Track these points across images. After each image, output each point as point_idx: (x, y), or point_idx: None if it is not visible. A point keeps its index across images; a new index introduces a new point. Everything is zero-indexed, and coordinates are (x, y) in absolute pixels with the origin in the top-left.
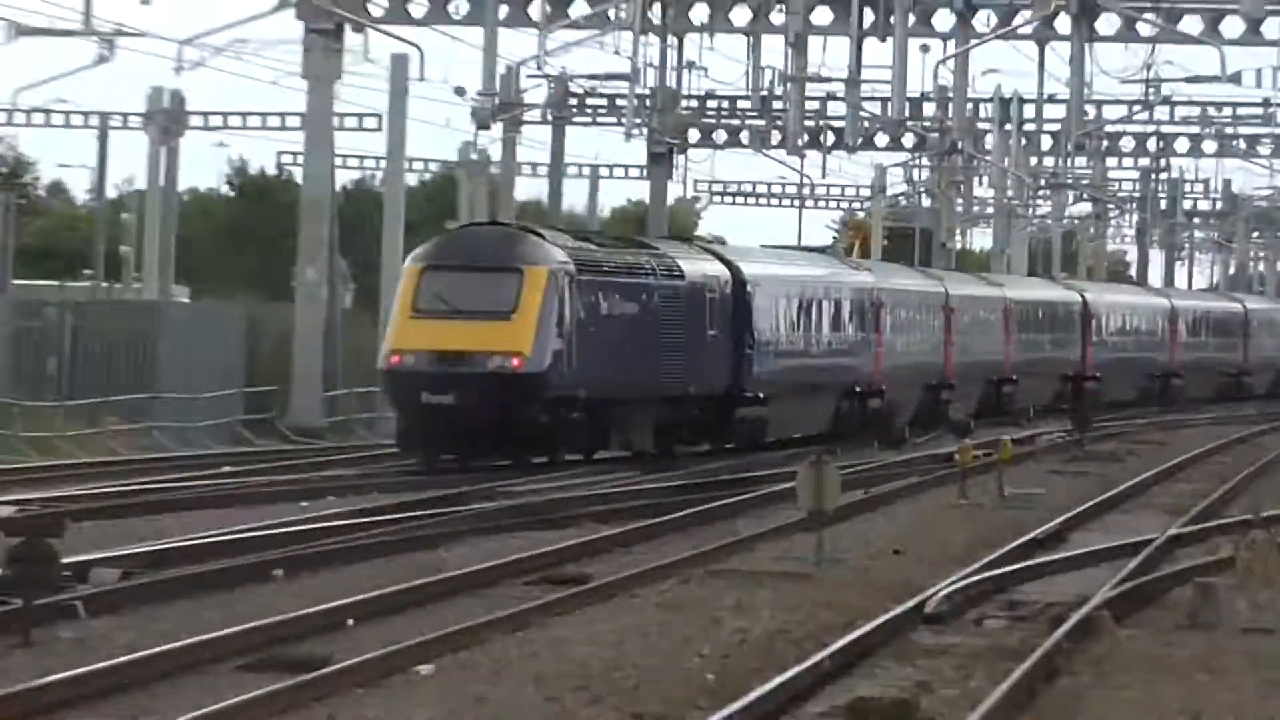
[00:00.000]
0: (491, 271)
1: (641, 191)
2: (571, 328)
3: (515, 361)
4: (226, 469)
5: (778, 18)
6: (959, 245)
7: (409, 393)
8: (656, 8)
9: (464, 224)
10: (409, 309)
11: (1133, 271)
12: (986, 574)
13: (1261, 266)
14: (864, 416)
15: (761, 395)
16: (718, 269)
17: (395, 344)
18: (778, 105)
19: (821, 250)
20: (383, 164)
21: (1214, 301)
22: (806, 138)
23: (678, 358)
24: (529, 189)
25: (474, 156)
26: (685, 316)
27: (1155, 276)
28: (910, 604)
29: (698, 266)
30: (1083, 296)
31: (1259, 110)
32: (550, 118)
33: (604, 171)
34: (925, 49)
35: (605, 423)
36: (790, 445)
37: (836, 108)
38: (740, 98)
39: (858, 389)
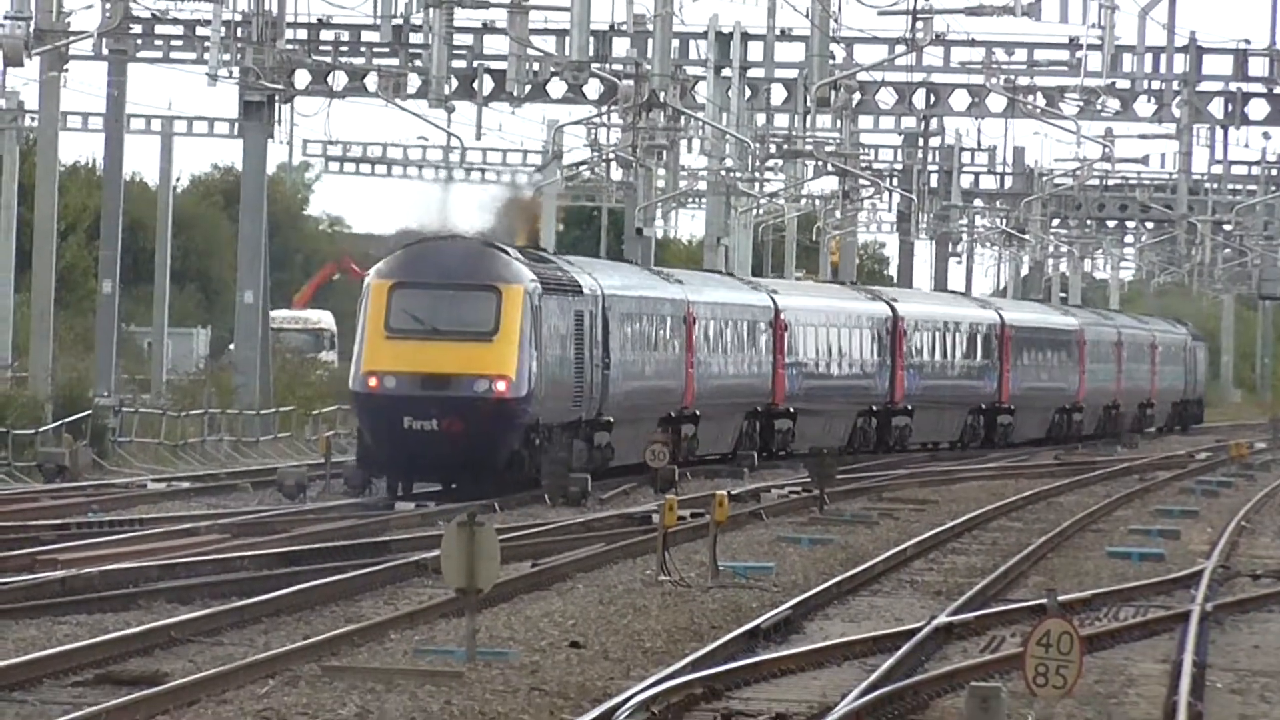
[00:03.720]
0: (468, 289)
1: (232, 153)
2: (540, 350)
3: (502, 385)
4: None
5: None
6: (660, 232)
7: (388, 417)
8: None
9: (424, 237)
10: (381, 328)
11: (893, 269)
12: (694, 675)
13: (1064, 266)
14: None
15: (611, 420)
16: (588, 281)
17: (371, 365)
18: (416, 39)
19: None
20: None
21: (1046, 315)
22: (456, 84)
23: (581, 380)
24: (78, 147)
25: (1, 102)
26: (587, 336)
27: (922, 276)
28: (592, 715)
29: (582, 279)
30: (892, 307)
31: (1063, 54)
32: (107, 50)
33: (180, 126)
34: None
35: (553, 451)
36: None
37: (496, 43)
38: (366, 28)
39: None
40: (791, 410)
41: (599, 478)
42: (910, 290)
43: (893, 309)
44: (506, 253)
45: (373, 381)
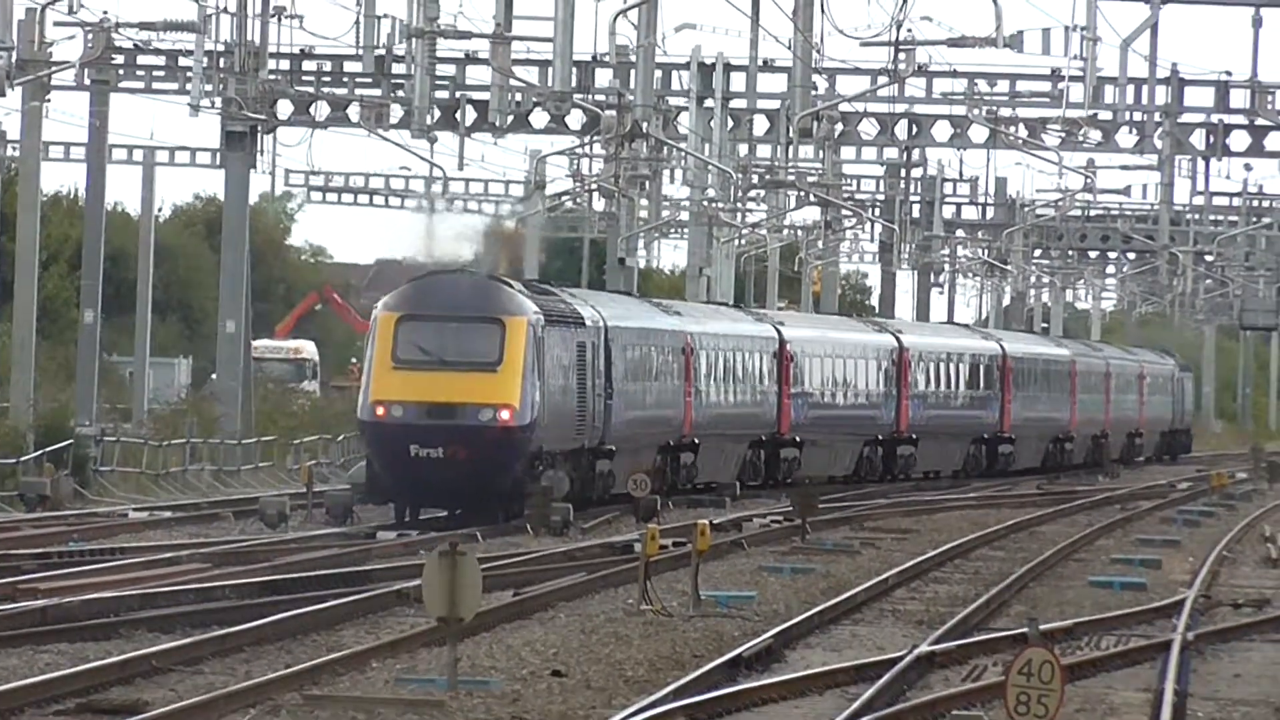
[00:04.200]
0: (473, 322)
1: (214, 183)
2: (544, 380)
3: (506, 414)
4: None
5: None
6: (643, 262)
7: (395, 445)
8: None
9: (430, 271)
10: (389, 359)
11: (874, 300)
12: (675, 704)
13: (1046, 296)
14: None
15: (613, 448)
16: (590, 313)
17: (378, 395)
18: (399, 69)
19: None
20: None
21: (1044, 346)
22: (438, 115)
23: (583, 409)
24: (60, 177)
25: None
26: (589, 366)
27: (904, 306)
28: None
29: (584, 311)
30: (897, 338)
31: (1045, 86)
32: (89, 81)
33: (162, 156)
34: None
35: (559, 479)
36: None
37: (479, 74)
38: (348, 58)
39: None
40: (798, 439)
41: (599, 505)
42: (914, 322)
43: (898, 340)
44: (510, 286)
45: (380, 411)
